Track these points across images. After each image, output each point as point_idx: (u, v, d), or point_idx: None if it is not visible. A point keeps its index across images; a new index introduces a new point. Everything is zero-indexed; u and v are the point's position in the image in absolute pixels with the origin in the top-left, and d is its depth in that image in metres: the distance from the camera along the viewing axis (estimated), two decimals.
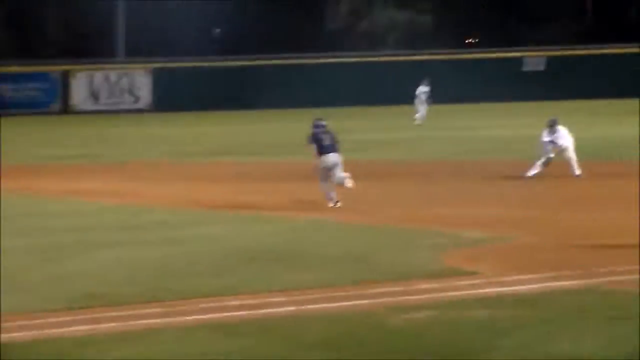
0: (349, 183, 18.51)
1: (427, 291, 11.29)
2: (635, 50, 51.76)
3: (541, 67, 53.97)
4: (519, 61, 54.29)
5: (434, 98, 40.94)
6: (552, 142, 22.55)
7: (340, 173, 18.45)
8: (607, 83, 50.22)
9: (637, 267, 11.73)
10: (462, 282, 11.83)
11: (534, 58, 54.80)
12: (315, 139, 18.81)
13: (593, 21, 62.04)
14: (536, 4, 58.90)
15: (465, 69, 51.67)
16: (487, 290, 11.42)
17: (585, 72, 51.93)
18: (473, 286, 11.65)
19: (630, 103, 42.71)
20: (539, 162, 22.48)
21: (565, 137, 22.57)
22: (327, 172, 18.51)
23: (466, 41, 63.45)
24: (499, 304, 10.56)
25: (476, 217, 17.14)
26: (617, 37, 53.38)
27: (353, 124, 36.75)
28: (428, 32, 59.71)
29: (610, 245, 13.87)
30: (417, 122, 39.86)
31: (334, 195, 18.44)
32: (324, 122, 19.61)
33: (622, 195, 19.10)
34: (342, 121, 31.28)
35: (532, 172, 22.32)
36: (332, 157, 18.63)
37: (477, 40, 63.60)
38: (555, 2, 59.50)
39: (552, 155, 22.53)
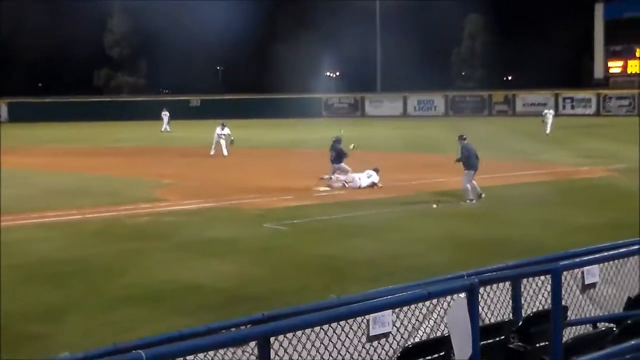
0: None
1: (146, 208, 21.54)
2: None
3: None
4: None
5: None
6: (221, 134, 36.22)
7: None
8: None
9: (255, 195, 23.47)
10: (162, 204, 22.35)
11: None
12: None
13: None
14: None
15: None
16: (173, 208, 21.70)
17: None
18: (166, 205, 22.02)
19: None
20: (213, 147, 36.02)
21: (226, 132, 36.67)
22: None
23: None
24: (179, 213, 20.70)
25: (171, 173, 29.12)
26: None
27: None
28: None
29: (235, 187, 25.55)
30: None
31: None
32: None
33: (243, 165, 33.46)
34: None
35: (211, 152, 35.90)
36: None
37: None
38: None
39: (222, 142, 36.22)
